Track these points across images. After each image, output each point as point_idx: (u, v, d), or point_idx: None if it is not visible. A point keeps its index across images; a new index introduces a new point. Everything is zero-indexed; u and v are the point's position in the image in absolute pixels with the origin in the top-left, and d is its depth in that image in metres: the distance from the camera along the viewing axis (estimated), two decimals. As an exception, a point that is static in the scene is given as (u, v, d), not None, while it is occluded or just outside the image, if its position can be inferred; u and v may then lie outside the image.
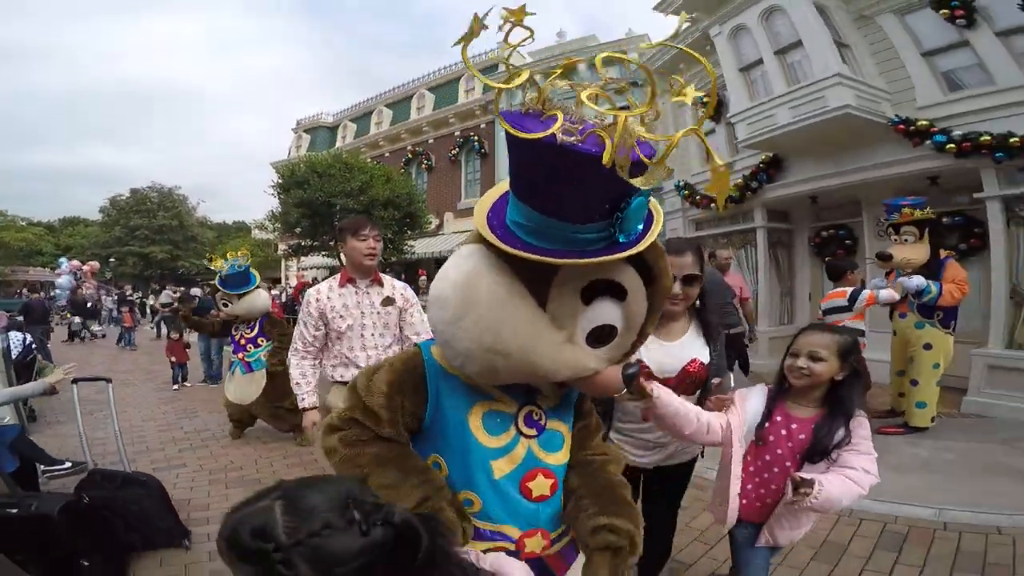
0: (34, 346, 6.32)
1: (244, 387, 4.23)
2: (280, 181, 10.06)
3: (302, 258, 11.49)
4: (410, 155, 16.25)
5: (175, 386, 6.96)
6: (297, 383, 2.46)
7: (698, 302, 1.75)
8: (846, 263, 4.74)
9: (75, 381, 3.43)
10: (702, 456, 1.98)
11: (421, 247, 12.22)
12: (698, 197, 8.95)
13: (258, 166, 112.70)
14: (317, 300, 2.46)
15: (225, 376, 4.81)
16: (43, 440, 4.32)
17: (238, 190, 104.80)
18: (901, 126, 5.80)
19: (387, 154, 16.97)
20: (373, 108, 18.55)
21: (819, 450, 1.48)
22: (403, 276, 7.55)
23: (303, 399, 2.43)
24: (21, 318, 9.11)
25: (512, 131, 0.77)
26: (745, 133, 7.28)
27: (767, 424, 1.58)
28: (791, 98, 6.55)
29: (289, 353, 2.54)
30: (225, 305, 4.45)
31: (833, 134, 6.22)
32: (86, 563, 2.19)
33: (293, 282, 17.99)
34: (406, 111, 17.21)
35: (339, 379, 2.50)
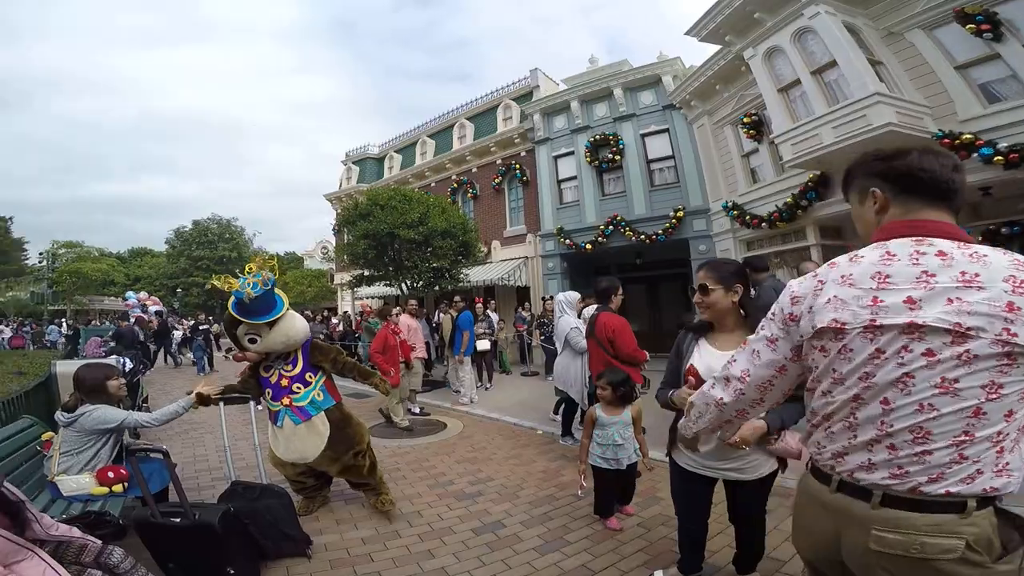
0: (139, 369, 7.05)
1: (302, 440, 3.34)
2: (340, 213, 10.68)
3: (364, 287, 12.03)
4: (455, 184, 16.76)
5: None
6: None
7: (742, 312, 2.09)
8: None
9: (217, 401, 3.79)
10: (783, 471, 2.20)
11: (474, 275, 12.62)
12: (748, 217, 8.99)
13: (302, 196, 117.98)
14: None
15: (268, 431, 3.58)
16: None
17: (284, 220, 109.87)
18: (946, 140, 5.87)
19: (433, 184, 17.56)
20: (417, 139, 19.24)
21: None
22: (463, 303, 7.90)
23: None
24: (114, 344, 9.93)
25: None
26: (791, 153, 7.40)
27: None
28: (833, 118, 6.72)
29: None
30: (253, 341, 3.28)
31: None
32: (232, 570, 2.50)
33: (347, 310, 18.77)
34: (448, 141, 17.74)
35: None
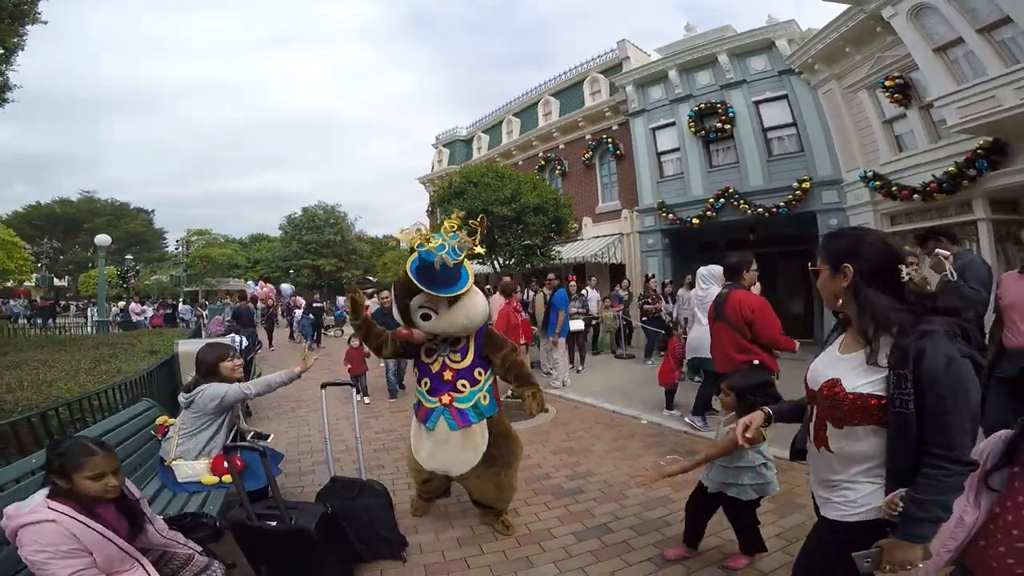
0: (254, 347, 7.52)
1: (452, 452, 2.75)
2: (434, 192, 10.73)
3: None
4: (543, 162, 16.37)
5: (366, 399, 6.71)
6: None
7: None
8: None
9: (324, 386, 3.73)
10: None
11: (565, 252, 12.21)
12: (894, 188, 7.63)
13: (398, 183, 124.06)
14: None
15: (412, 426, 3.03)
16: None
17: (382, 206, 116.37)
18: None
19: (520, 162, 17.31)
20: (503, 118, 19.08)
21: None
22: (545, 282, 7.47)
23: None
24: (235, 323, 10.81)
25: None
26: (958, 117, 6.33)
27: None
28: (1015, 78, 5.74)
29: None
30: (426, 317, 2.67)
31: None
32: None
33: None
34: (534, 119, 17.40)
35: None
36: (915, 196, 7.29)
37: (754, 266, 3.84)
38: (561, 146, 15.92)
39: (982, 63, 6.23)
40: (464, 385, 2.79)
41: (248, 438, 3.30)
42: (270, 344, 13.81)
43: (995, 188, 6.59)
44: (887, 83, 7.90)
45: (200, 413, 2.88)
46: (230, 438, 3.02)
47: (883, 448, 1.29)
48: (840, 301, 1.42)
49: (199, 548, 2.08)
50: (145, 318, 16.83)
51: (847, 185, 9.11)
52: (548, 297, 7.13)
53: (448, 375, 2.77)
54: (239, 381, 3.02)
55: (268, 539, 2.26)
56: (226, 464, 2.65)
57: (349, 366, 6.70)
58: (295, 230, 33.44)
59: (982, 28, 6.20)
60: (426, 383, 2.87)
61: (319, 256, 32.19)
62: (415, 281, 2.57)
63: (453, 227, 2.62)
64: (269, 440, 3.46)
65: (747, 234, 10.88)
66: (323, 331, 14.79)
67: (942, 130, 7.06)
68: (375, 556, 2.69)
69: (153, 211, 39.05)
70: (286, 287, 21.07)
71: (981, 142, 6.51)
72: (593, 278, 10.72)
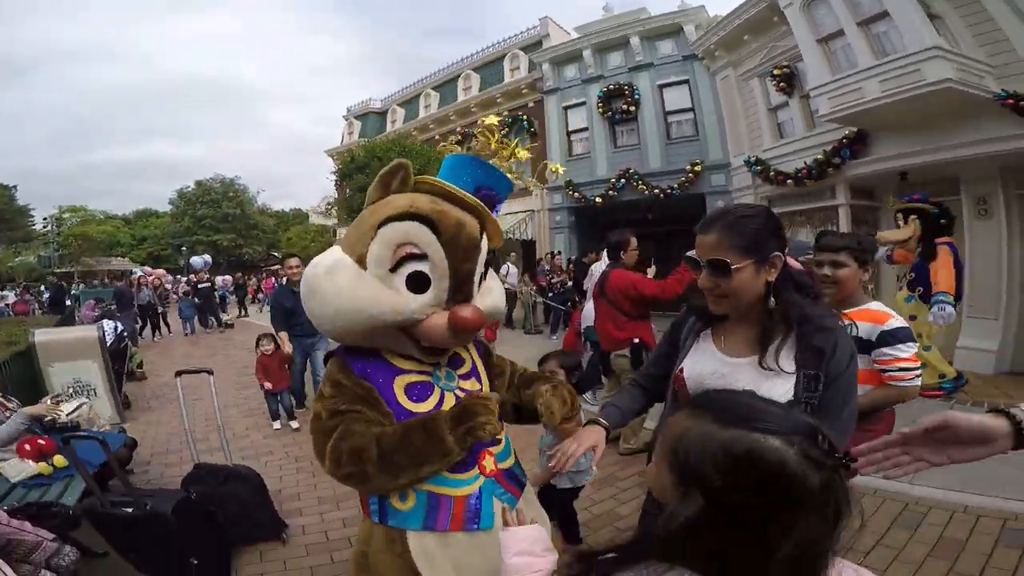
0: (126, 334, 6.79)
1: None
2: (339, 168, 10.23)
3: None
4: (460, 137, 16.15)
5: (276, 424, 4.73)
6: None
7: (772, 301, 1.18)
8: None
9: (179, 374, 3.47)
10: None
11: (477, 228, 12.23)
12: (771, 173, 8.38)
13: (310, 154, 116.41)
14: None
15: (423, 555, 1.53)
16: (138, 428, 4.56)
17: (292, 179, 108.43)
18: (1010, 100, 5.23)
19: (436, 136, 16.95)
20: (421, 91, 18.48)
21: None
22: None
23: None
24: (113, 306, 9.72)
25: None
26: (828, 107, 6.86)
27: None
28: (881, 71, 6.15)
29: None
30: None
31: (928, 109, 5.77)
32: (195, 561, 2.24)
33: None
34: (453, 93, 17.05)
35: None
36: (788, 181, 8.05)
37: (633, 245, 3.90)
38: (479, 122, 15.80)
39: (856, 56, 6.64)
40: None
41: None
42: (155, 334, 11.30)
43: (855, 176, 7.37)
44: (775, 72, 8.49)
45: None
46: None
47: None
48: (743, 300, 1.17)
49: (49, 535, 1.94)
50: (6, 304, 14.68)
51: (734, 169, 9.87)
52: None
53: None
54: None
55: (124, 525, 2.13)
56: (45, 439, 2.41)
57: (266, 383, 4.64)
58: (188, 205, 30.56)
59: (862, 21, 6.58)
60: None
61: (215, 232, 29.67)
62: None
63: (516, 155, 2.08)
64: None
65: (645, 213, 11.48)
66: (218, 314, 13.09)
67: (817, 119, 7.63)
68: (253, 539, 2.59)
69: (15, 187, 33.86)
70: (197, 260, 18.27)
71: (847, 132, 7.18)
72: (512, 253, 10.84)
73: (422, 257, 1.20)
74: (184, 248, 28.78)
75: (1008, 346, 5.41)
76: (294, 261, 4.97)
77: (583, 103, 12.54)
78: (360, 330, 1.22)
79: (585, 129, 12.56)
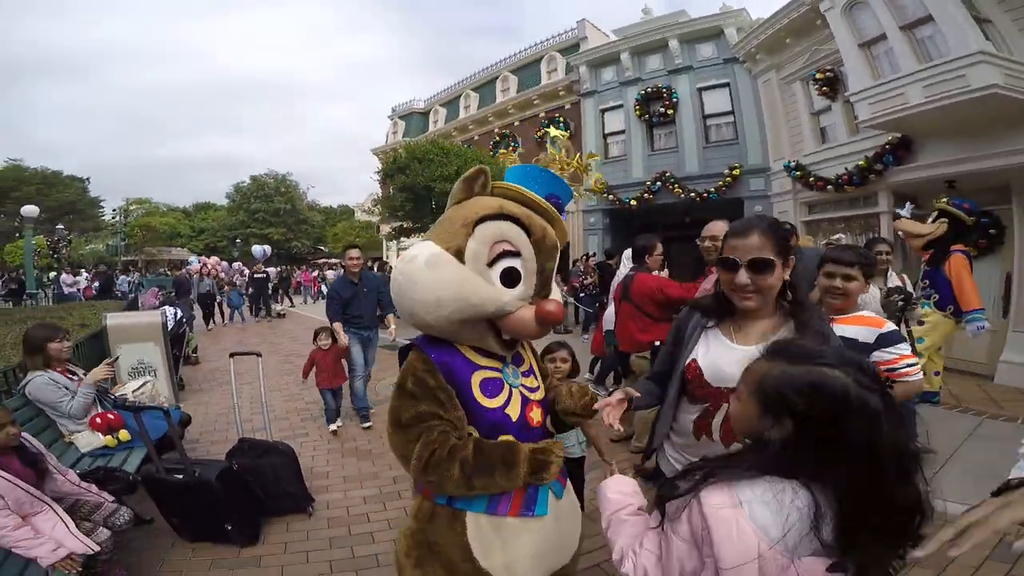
0: (184, 320, 7.40)
1: (567, 529, 1.52)
2: (382, 168, 10.71)
3: (403, 239, 12.17)
4: (498, 138, 16.41)
5: (332, 427, 4.45)
6: None
7: (789, 295, 1.40)
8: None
9: (232, 355, 3.84)
10: None
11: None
12: (812, 179, 8.20)
13: (356, 151, 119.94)
14: None
15: (478, 536, 1.40)
16: (191, 408, 4.99)
17: (339, 174, 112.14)
18: None
19: (476, 137, 17.30)
20: (461, 92, 18.87)
21: None
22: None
23: None
24: (173, 293, 10.49)
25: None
26: (869, 113, 6.67)
27: None
28: (924, 76, 5.95)
29: None
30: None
31: (974, 115, 5.53)
32: (229, 526, 2.55)
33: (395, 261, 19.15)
34: (492, 94, 17.33)
35: None
36: (828, 187, 7.85)
37: (659, 250, 3.97)
38: (516, 123, 15.99)
39: (898, 60, 6.45)
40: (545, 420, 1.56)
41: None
42: (209, 322, 11.54)
43: (898, 183, 7.12)
44: (818, 75, 8.32)
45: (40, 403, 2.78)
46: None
47: None
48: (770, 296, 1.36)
49: (110, 497, 2.26)
50: (78, 289, 16.00)
51: (773, 174, 9.66)
52: None
53: (536, 415, 1.47)
54: (68, 362, 2.97)
55: (175, 490, 2.44)
56: (114, 414, 2.77)
57: (319, 379, 4.39)
58: (243, 199, 32.26)
59: (905, 25, 6.39)
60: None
61: (268, 225, 31.20)
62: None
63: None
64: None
65: (683, 217, 11.38)
66: (269, 304, 13.96)
67: (860, 124, 7.39)
68: (282, 510, 2.89)
69: (88, 179, 36.77)
70: (258, 249, 19.10)
71: (890, 138, 6.96)
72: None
73: (516, 254, 1.33)
74: (239, 240, 30.43)
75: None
76: (355, 252, 4.65)
77: (620, 106, 12.55)
78: (457, 319, 1.29)
79: (622, 132, 12.56)
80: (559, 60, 14.86)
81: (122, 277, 18.08)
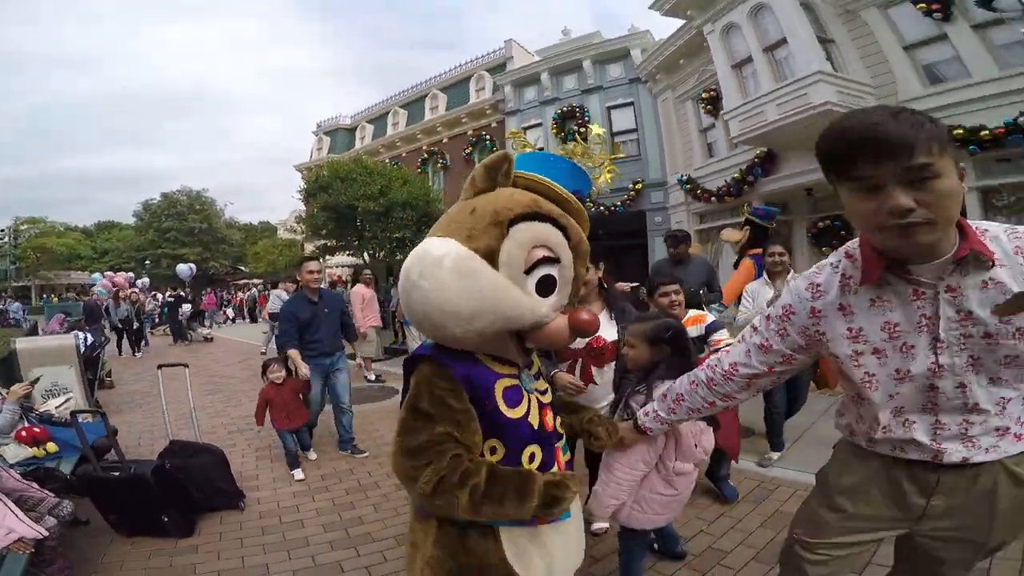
0: (98, 344, 7.16)
1: (579, 533, 1.48)
2: (305, 187, 10.76)
3: (328, 258, 12.17)
4: (426, 155, 16.77)
5: (298, 473, 3.70)
6: None
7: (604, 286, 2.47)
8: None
9: (160, 367, 3.99)
10: None
11: (438, 245, 12.70)
12: (699, 191, 9.29)
13: (280, 165, 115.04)
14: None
15: (512, 547, 1.32)
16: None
17: (261, 189, 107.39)
18: None
19: (404, 154, 17.52)
20: (389, 109, 19.08)
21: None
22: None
23: None
24: (83, 320, 9.93)
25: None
26: (737, 129, 7.60)
27: None
28: (777, 95, 6.84)
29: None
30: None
31: (819, 129, 6.43)
32: (166, 518, 2.80)
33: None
34: (420, 111, 17.67)
35: None
36: (712, 198, 8.98)
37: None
38: (445, 140, 16.42)
39: (760, 80, 7.28)
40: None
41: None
42: (135, 350, 10.94)
43: (767, 192, 8.22)
44: (703, 95, 9.35)
45: None
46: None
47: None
48: None
49: (51, 493, 2.44)
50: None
51: (670, 187, 10.81)
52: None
53: (550, 419, 1.41)
54: None
55: (113, 488, 2.66)
56: (39, 428, 2.95)
57: (275, 419, 3.73)
58: (153, 217, 30.24)
59: (767, 47, 7.20)
60: (534, 453, 1.36)
61: (182, 245, 29.46)
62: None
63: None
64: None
65: (597, 230, 12.29)
66: (185, 326, 13.24)
67: (733, 140, 8.35)
68: (215, 506, 3.13)
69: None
70: (183, 268, 18.22)
71: (758, 152, 7.98)
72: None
73: (555, 261, 1.19)
74: (148, 262, 28.46)
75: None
76: (314, 265, 4.02)
77: (540, 123, 13.39)
78: (490, 332, 1.15)
79: (541, 149, 13.39)
80: (487, 79, 15.49)
81: (15, 304, 16.52)
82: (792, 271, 3.47)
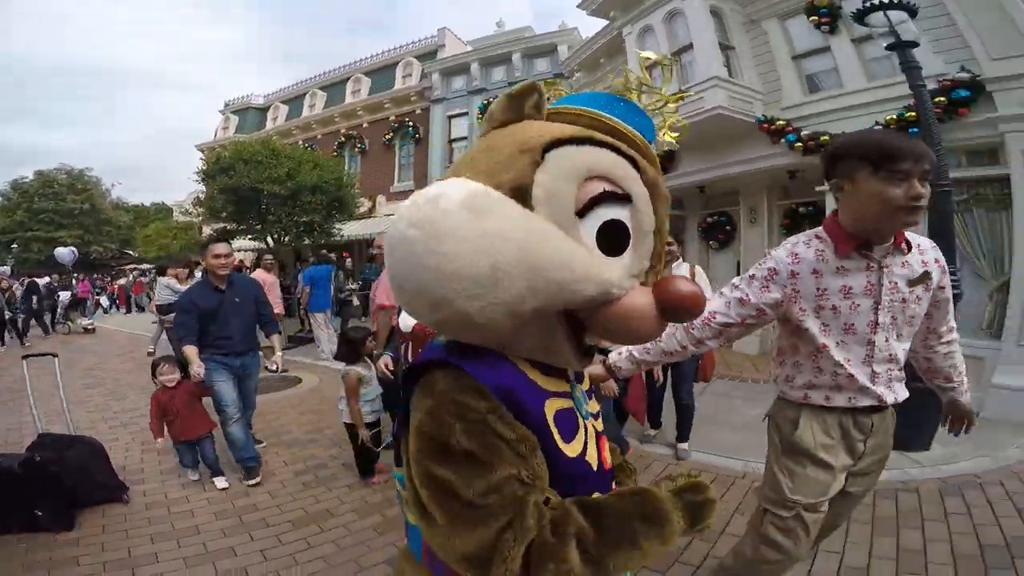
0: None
1: None
2: (205, 166, 9.94)
3: (234, 241, 11.37)
4: (343, 138, 16.15)
5: (219, 481, 3.31)
6: None
7: None
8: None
9: (25, 357, 3.59)
10: None
11: (351, 230, 12.27)
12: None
13: (187, 146, 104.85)
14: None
15: None
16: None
17: (165, 170, 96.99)
18: (764, 125, 6.54)
19: (319, 136, 16.79)
20: (307, 90, 18.09)
21: None
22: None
23: None
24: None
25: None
26: None
27: None
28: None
29: None
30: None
31: (712, 131, 6.82)
32: (39, 512, 2.55)
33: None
34: (341, 94, 16.96)
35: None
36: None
37: None
38: (364, 124, 15.92)
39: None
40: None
41: None
42: (23, 341, 9.93)
43: (667, 188, 8.84)
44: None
45: None
46: None
47: None
48: None
49: None
50: None
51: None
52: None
53: (608, 455, 0.94)
54: None
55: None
56: None
57: (171, 430, 3.21)
58: (23, 198, 26.44)
59: (676, 51, 7.35)
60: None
61: (58, 227, 26.05)
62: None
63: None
64: None
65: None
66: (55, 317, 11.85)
67: None
68: (96, 500, 2.88)
69: None
70: (63, 252, 15.77)
71: (660, 151, 8.61)
72: (348, 257, 11.22)
73: (624, 199, 0.71)
74: (15, 245, 24.91)
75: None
76: (222, 248, 3.39)
77: (466, 113, 13.46)
78: (528, 311, 0.67)
79: (465, 138, 13.44)
80: (415, 65, 15.18)
81: None
82: (682, 259, 3.83)
